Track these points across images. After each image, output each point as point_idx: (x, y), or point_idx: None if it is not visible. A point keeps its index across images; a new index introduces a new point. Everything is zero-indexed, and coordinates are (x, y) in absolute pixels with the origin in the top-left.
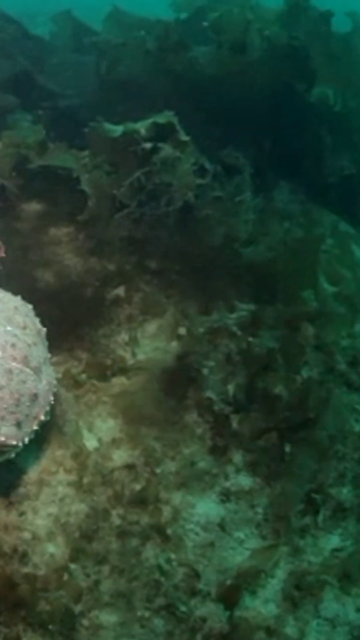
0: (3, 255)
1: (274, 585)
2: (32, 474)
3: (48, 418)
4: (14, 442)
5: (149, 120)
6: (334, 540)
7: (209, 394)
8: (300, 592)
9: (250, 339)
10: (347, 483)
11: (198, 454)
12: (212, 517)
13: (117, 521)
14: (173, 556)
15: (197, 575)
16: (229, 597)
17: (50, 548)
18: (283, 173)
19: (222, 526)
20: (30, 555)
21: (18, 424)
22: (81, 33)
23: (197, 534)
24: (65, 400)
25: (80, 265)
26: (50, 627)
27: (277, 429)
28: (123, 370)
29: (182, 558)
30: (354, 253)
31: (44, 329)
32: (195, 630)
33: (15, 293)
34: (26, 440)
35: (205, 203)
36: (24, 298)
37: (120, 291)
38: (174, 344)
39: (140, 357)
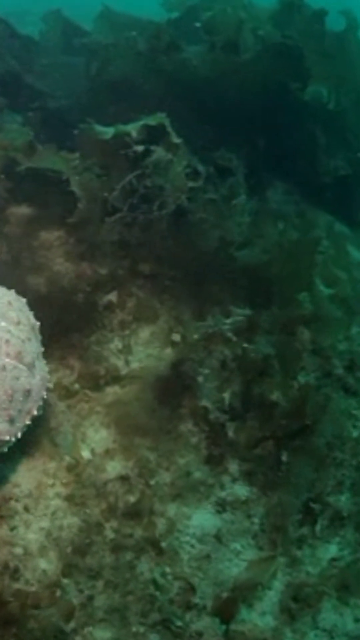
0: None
1: (271, 597)
2: (24, 487)
3: (41, 412)
4: (7, 438)
5: (140, 122)
6: (332, 550)
7: (204, 402)
8: (298, 604)
9: (245, 344)
10: (345, 490)
11: (193, 463)
12: (208, 528)
13: (110, 534)
14: (168, 570)
15: (192, 588)
16: (225, 611)
17: (43, 563)
18: (277, 173)
19: (218, 537)
20: (22, 571)
21: (11, 420)
22: (71, 33)
23: (192, 546)
24: (57, 410)
25: (72, 270)
26: None
27: (274, 437)
28: (116, 379)
29: (177, 571)
30: (349, 254)
31: (38, 323)
32: None
33: None
34: (19, 435)
35: (198, 206)
36: None
37: (113, 296)
38: (168, 350)
39: (134, 365)
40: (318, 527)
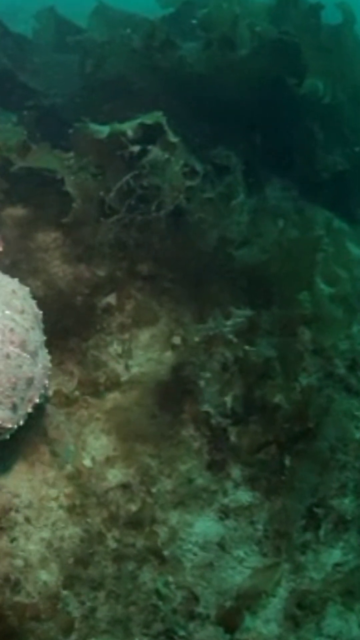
0: (0, 249)
1: (275, 604)
2: (24, 497)
3: (42, 400)
4: (10, 425)
5: (136, 121)
6: (335, 555)
7: (206, 407)
8: (302, 611)
9: (247, 347)
10: (349, 493)
11: (195, 470)
12: (211, 535)
13: (112, 544)
14: (171, 579)
15: (195, 598)
16: (229, 620)
17: (43, 575)
18: (274, 169)
19: (221, 545)
20: (22, 583)
21: (14, 407)
22: (65, 30)
23: (195, 554)
24: (58, 420)
25: (69, 272)
26: None
27: (277, 442)
28: (116, 385)
29: (180, 580)
30: (349, 251)
31: (40, 312)
32: None
33: None
34: (21, 422)
35: (196, 206)
36: None
37: (112, 299)
38: (169, 354)
39: (134, 369)
40: (322, 532)
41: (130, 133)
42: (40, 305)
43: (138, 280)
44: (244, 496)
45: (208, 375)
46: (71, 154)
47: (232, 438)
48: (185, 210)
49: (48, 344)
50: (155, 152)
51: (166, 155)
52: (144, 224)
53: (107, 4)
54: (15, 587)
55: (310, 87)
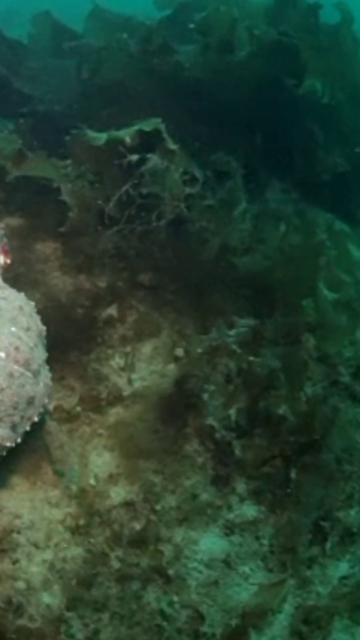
0: (9, 262)
1: (281, 620)
2: (25, 518)
3: (40, 418)
4: (8, 444)
5: (134, 128)
6: (342, 568)
7: (210, 420)
8: (309, 626)
9: (251, 357)
10: (355, 504)
11: (199, 485)
12: (216, 552)
13: (116, 564)
14: (175, 598)
15: (201, 616)
16: (235, 639)
17: (46, 598)
18: (274, 172)
19: (226, 562)
20: (25, 606)
21: (13, 426)
22: (61, 35)
23: (200, 572)
24: (60, 437)
25: (69, 284)
26: None
27: (282, 455)
28: (118, 399)
29: (185, 599)
30: (351, 254)
31: (44, 328)
32: None
33: None
34: (19, 440)
35: (197, 214)
36: None
37: (113, 310)
38: (171, 366)
39: (136, 383)
40: (328, 545)
41: (128, 140)
42: (40, 318)
43: (139, 291)
44: (249, 511)
45: (212, 388)
46: (68, 161)
47: (237, 452)
48: (186, 218)
49: (48, 359)
50: (154, 160)
51: (165, 163)
52: (144, 234)
53: (103, 7)
54: (18, 610)
55: (309, 87)
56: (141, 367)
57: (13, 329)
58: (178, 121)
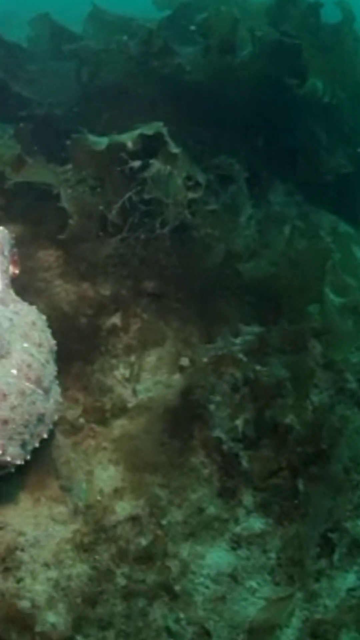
0: (17, 272)
1: (289, 635)
2: (29, 535)
3: (49, 435)
4: (19, 462)
5: (136, 132)
6: (350, 579)
7: (217, 432)
8: None
9: (257, 367)
10: None
11: (206, 498)
12: (223, 567)
13: (122, 581)
14: (182, 615)
15: (207, 633)
16: None
17: (51, 617)
18: (277, 173)
19: (233, 576)
20: (30, 626)
21: (23, 444)
22: (61, 37)
23: (207, 587)
24: (67, 452)
25: (72, 292)
26: None
27: (289, 466)
28: (123, 411)
29: (191, 616)
30: (356, 257)
31: (55, 343)
32: None
33: None
34: (28, 457)
35: (201, 220)
36: None
37: (117, 319)
38: (177, 376)
39: (141, 394)
40: (336, 557)
41: (130, 144)
42: None
43: (143, 299)
44: (257, 523)
45: (218, 398)
46: (69, 166)
47: (244, 463)
48: (190, 225)
49: None
50: (157, 166)
51: (168, 168)
52: (148, 241)
53: (102, 8)
54: (23, 630)
55: (310, 87)
56: (146, 378)
57: (25, 345)
58: (179, 124)
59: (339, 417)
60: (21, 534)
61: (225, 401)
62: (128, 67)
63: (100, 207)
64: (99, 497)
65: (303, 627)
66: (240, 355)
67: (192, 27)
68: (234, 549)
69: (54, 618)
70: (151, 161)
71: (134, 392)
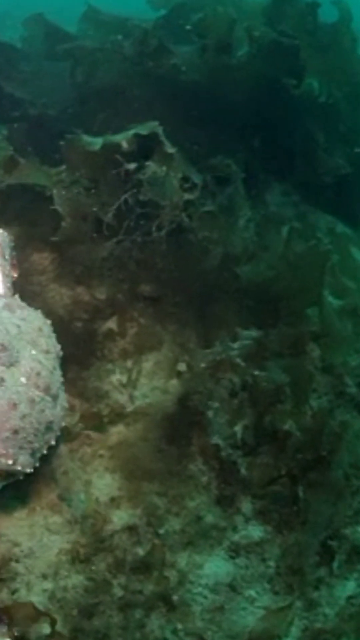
0: (15, 275)
1: None
2: (24, 545)
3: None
4: (28, 470)
5: (131, 132)
6: (349, 587)
7: (215, 439)
8: None
9: (256, 372)
10: None
11: (204, 506)
12: (221, 576)
13: (119, 592)
14: (180, 626)
15: None
16: None
17: (47, 629)
18: (274, 174)
19: (232, 585)
20: (25, 638)
21: (33, 453)
22: (55, 37)
23: (205, 597)
24: (67, 462)
25: (67, 296)
26: None
27: (289, 472)
28: (120, 417)
29: (189, 627)
30: (355, 258)
31: (59, 347)
32: None
33: None
34: (37, 464)
35: (198, 222)
36: None
37: (112, 324)
38: (174, 382)
39: (138, 400)
40: (335, 564)
41: (125, 145)
42: None
43: (140, 303)
44: (255, 531)
45: (216, 404)
46: (63, 167)
47: (242, 470)
48: (187, 227)
49: None
50: (153, 168)
51: (164, 169)
52: (145, 244)
53: (97, 8)
54: None
55: (308, 87)
56: (143, 383)
57: (33, 352)
58: (175, 124)
59: (339, 422)
60: (16, 544)
61: (224, 407)
62: (123, 67)
63: (94, 209)
64: (93, 506)
65: (303, 636)
66: (239, 360)
67: (188, 27)
68: (232, 557)
69: (50, 630)
70: (147, 163)
71: (131, 398)
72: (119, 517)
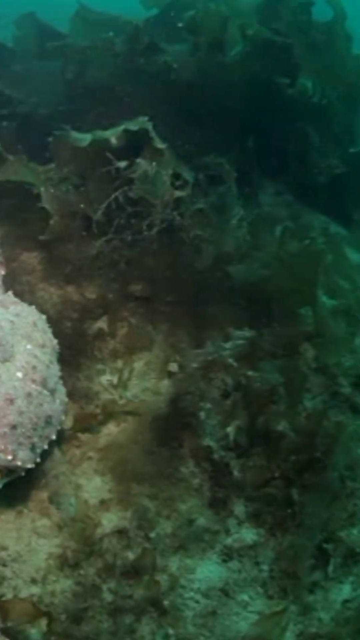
0: (3, 272)
1: None
2: (12, 549)
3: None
4: (29, 466)
5: (120, 127)
6: (345, 590)
7: (207, 441)
8: None
9: (249, 372)
10: (357, 522)
11: (196, 509)
12: (214, 580)
13: (108, 597)
14: (171, 631)
15: None
16: None
17: (35, 635)
18: (267, 174)
19: (224, 590)
20: None
21: (33, 448)
22: (47, 36)
23: (197, 602)
24: (59, 466)
25: (57, 296)
26: None
27: (283, 474)
28: (110, 419)
29: (181, 632)
30: (348, 257)
31: (56, 341)
32: None
33: None
34: (38, 460)
35: (190, 220)
36: None
37: (103, 323)
38: (165, 382)
39: (129, 401)
40: (331, 568)
41: (114, 141)
42: None
43: (130, 303)
44: (248, 534)
45: (208, 405)
46: (52, 165)
47: (235, 472)
48: (179, 226)
49: None
50: (143, 165)
51: (154, 164)
52: (135, 242)
53: (88, 7)
54: None
55: (301, 87)
56: (133, 384)
57: (28, 346)
58: (167, 123)
59: (334, 423)
60: (3, 548)
61: (216, 408)
62: (114, 64)
63: (82, 206)
64: (82, 509)
65: None
66: (231, 361)
67: (180, 24)
68: (225, 561)
69: (38, 636)
70: (137, 160)
71: (121, 399)
72: (109, 520)
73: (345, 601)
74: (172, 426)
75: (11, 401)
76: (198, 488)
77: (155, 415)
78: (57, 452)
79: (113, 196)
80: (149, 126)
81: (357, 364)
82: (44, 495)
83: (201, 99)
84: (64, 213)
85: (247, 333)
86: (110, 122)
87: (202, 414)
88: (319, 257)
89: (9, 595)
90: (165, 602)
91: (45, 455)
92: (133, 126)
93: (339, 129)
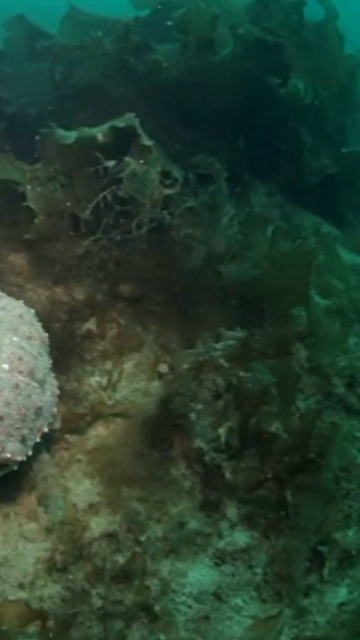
0: None
1: None
2: None
3: (49, 429)
4: (19, 458)
5: (107, 125)
6: (341, 593)
7: (198, 442)
8: None
9: (241, 373)
10: (353, 524)
11: (187, 512)
12: (206, 585)
13: (97, 602)
14: (163, 637)
15: None
16: None
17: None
18: (259, 174)
19: (217, 594)
20: None
21: (23, 440)
22: (36, 38)
23: (189, 606)
24: (47, 468)
25: (45, 296)
26: None
27: (276, 476)
28: (99, 421)
29: (173, 638)
30: (341, 257)
31: (46, 335)
32: None
33: None
34: (29, 453)
35: (180, 219)
36: None
37: (92, 324)
38: (155, 384)
39: (119, 403)
40: (326, 570)
41: (100, 137)
42: None
43: (119, 303)
44: (241, 537)
45: (199, 406)
46: (39, 164)
47: (227, 474)
48: (169, 225)
49: None
50: (131, 164)
51: (142, 162)
52: (124, 242)
53: (78, 8)
54: None
55: (293, 87)
56: (123, 385)
57: (15, 338)
58: (158, 123)
59: (327, 423)
60: None
61: (207, 409)
62: (103, 64)
63: (69, 204)
64: (71, 512)
65: None
66: (222, 361)
67: (169, 22)
68: (217, 565)
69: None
70: (126, 159)
71: (110, 400)
72: (98, 524)
73: (341, 604)
74: (162, 428)
75: None
76: (189, 490)
77: (145, 416)
78: (45, 455)
79: (101, 195)
80: (136, 123)
81: (350, 364)
82: (32, 498)
83: (192, 99)
84: (51, 212)
85: (239, 333)
86: (100, 122)
87: (193, 415)
88: (311, 256)
89: None
90: (157, 607)
91: (37, 448)
92: (120, 123)
93: (330, 129)
